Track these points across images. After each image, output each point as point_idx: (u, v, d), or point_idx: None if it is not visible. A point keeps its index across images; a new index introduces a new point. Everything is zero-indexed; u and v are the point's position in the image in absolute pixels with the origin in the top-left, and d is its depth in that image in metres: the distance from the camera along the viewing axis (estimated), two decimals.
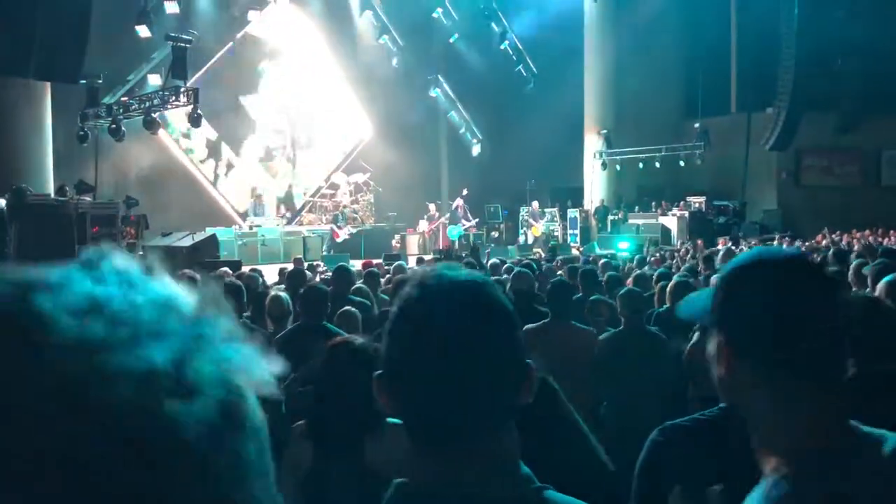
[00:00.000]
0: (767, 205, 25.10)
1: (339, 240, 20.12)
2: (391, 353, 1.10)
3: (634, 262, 11.12)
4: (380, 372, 1.11)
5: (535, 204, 23.89)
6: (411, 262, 14.55)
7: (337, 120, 25.03)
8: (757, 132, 24.17)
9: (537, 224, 23.51)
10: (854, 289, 5.92)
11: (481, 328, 1.07)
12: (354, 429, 2.44)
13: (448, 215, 22.79)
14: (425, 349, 1.06)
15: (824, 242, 17.05)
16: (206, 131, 21.69)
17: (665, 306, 6.09)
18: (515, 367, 1.09)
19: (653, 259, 12.72)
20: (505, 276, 8.12)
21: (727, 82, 26.75)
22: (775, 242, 16.79)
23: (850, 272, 6.19)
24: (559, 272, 8.89)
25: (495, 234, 24.34)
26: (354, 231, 20.84)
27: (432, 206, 23.07)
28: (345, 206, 22.12)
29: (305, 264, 13.25)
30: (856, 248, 13.19)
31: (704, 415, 1.93)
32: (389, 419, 2.62)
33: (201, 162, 22.53)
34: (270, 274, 10.87)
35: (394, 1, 24.62)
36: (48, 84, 15.90)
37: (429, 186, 25.11)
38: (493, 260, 11.94)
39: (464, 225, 22.26)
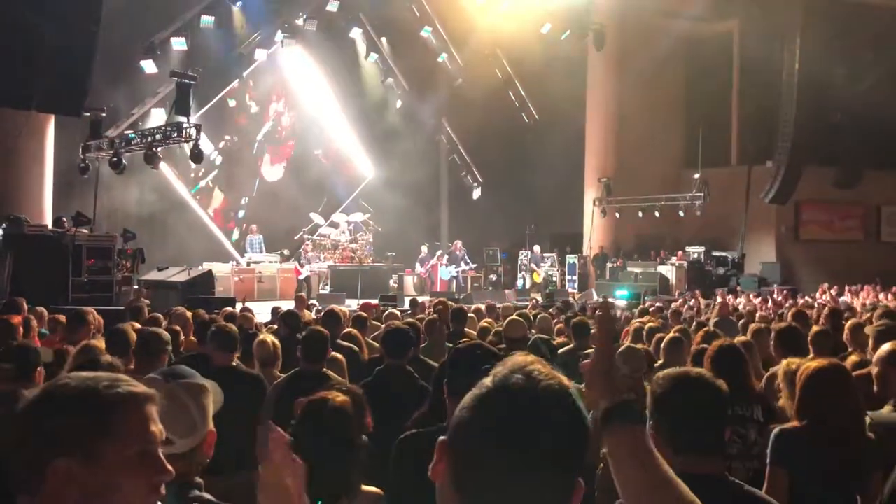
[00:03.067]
0: (766, 257, 25.06)
1: (300, 277, 20.07)
2: (470, 429, 1.15)
3: (635, 312, 11.01)
4: (444, 438, 1.17)
5: (537, 249, 23.88)
6: (407, 304, 14.51)
7: (340, 159, 25.12)
8: (757, 185, 24.25)
9: (538, 269, 23.49)
10: (849, 348, 5.85)
11: (552, 444, 1.13)
12: (324, 493, 2.32)
13: (446, 256, 22.80)
14: (503, 438, 1.12)
15: (825, 297, 16.94)
16: (208, 166, 21.91)
17: (660, 362, 5.98)
18: (568, 480, 1.16)
19: (652, 309, 12.61)
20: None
21: (728, 134, 26.90)
22: (774, 295, 16.71)
23: (846, 332, 6.10)
24: (556, 322, 8.79)
25: (493, 277, 24.29)
26: (318, 270, 20.76)
27: (424, 248, 23.07)
28: (307, 244, 22.01)
29: (309, 302, 13.19)
30: (859, 305, 13.10)
31: None
32: (364, 486, 2.50)
33: (197, 191, 22.60)
34: (266, 312, 10.79)
35: (400, 45, 24.88)
36: (52, 115, 15.95)
37: (428, 228, 25.12)
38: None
39: (459, 267, 22.27)
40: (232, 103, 22.90)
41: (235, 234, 23.37)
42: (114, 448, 1.33)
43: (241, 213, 23.54)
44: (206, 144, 20.89)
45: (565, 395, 1.17)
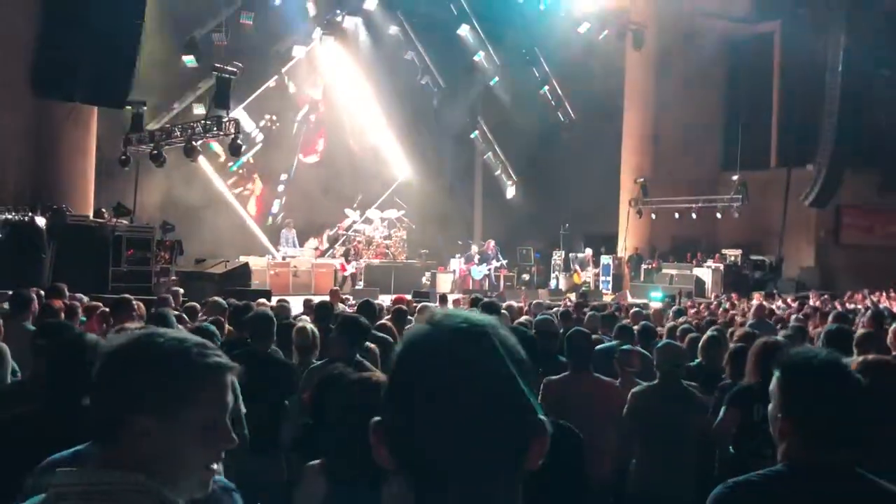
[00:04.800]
0: (805, 262, 24.66)
1: (344, 273, 20.11)
2: (394, 396, 1.04)
3: (671, 313, 10.91)
4: (378, 419, 1.04)
5: (589, 251, 23.81)
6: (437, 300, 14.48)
7: (375, 156, 25.19)
8: (796, 188, 23.86)
9: (581, 271, 23.39)
10: (894, 352, 5.73)
11: (490, 373, 1.01)
12: (371, 469, 2.34)
13: (477, 256, 22.78)
14: (430, 392, 1.00)
15: (865, 303, 16.61)
16: (249, 143, 22.20)
17: (696, 360, 5.92)
18: (524, 420, 1.02)
19: (692, 311, 12.48)
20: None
21: (768, 136, 26.51)
22: (811, 301, 16.42)
23: (890, 335, 5.98)
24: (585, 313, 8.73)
25: (526, 276, 24.19)
26: (363, 267, 20.83)
27: (475, 247, 23.08)
28: (359, 242, 22.13)
29: (343, 296, 13.27)
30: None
31: (772, 471, 1.94)
32: None
33: (235, 186, 22.89)
34: (300, 305, 10.85)
35: (436, 43, 24.90)
36: (95, 108, 16.22)
37: (462, 226, 25.09)
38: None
39: (491, 266, 22.23)
40: (272, 83, 23.02)
41: (275, 207, 23.59)
42: (192, 413, 1.38)
43: (280, 188, 23.78)
44: (247, 123, 21.34)
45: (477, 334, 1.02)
